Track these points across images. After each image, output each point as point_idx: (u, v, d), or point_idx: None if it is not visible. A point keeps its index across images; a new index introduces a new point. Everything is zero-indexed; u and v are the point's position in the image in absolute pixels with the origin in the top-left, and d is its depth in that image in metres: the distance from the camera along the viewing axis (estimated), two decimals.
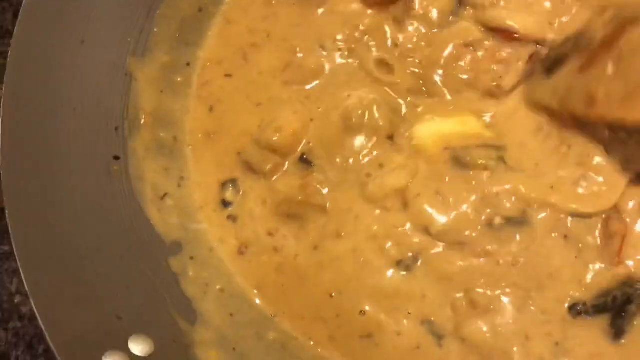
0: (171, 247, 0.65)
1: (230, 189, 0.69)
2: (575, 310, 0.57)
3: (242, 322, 0.63)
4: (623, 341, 0.55)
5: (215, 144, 0.70)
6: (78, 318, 0.52)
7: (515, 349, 0.57)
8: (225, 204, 0.68)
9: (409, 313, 0.61)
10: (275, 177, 0.68)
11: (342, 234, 0.64)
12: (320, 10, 0.71)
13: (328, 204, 0.65)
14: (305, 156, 0.67)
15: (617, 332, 0.55)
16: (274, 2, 0.73)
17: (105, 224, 0.61)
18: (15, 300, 0.81)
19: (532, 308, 0.58)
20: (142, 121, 0.68)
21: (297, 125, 0.67)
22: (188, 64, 0.74)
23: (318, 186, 0.66)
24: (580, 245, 0.58)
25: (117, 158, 0.65)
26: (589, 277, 0.57)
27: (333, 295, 0.64)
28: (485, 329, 0.58)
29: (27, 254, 0.53)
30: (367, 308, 0.63)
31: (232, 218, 0.68)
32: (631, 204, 0.58)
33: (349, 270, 0.64)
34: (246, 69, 0.72)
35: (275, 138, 0.67)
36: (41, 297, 0.52)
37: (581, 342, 0.56)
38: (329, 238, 0.65)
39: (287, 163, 0.68)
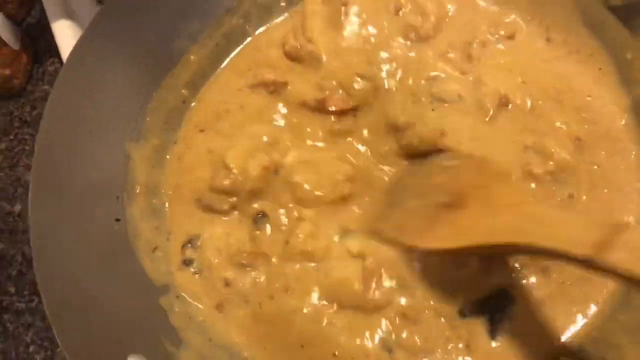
0: (161, 288, 0.77)
1: (189, 247, 0.80)
2: (463, 313, 0.70)
3: (220, 345, 0.74)
4: (496, 344, 0.69)
5: (183, 197, 0.83)
6: (91, 345, 0.67)
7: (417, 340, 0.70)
8: (187, 262, 0.79)
9: (368, 336, 0.70)
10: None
11: (287, 290, 0.74)
12: None
13: (273, 257, 0.76)
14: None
15: (493, 332, 0.69)
16: (244, 87, 0.90)
17: (109, 271, 0.74)
18: (30, 350, 0.94)
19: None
20: (137, 191, 0.82)
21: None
22: (175, 142, 0.91)
23: (266, 239, 0.77)
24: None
25: (118, 220, 0.79)
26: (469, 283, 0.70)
27: (303, 346, 0.71)
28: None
29: (54, 305, 0.67)
30: (336, 353, 0.71)
31: (197, 273, 0.78)
32: None
33: (308, 327, 0.72)
34: (217, 125, 0.86)
35: (225, 183, 0.79)
36: (68, 338, 0.65)
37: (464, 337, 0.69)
38: (278, 292, 0.74)
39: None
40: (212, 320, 0.78)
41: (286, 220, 0.79)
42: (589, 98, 0.78)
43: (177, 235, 0.84)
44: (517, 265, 0.72)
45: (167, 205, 0.87)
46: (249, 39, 0.95)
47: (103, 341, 0.68)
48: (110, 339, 0.68)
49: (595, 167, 0.75)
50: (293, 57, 0.90)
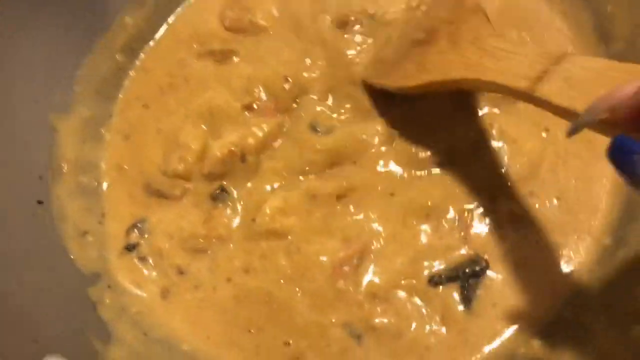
0: (90, 277, 0.69)
1: (136, 232, 0.73)
2: (433, 281, 0.65)
3: (156, 338, 0.67)
4: (471, 314, 0.64)
5: (127, 178, 0.77)
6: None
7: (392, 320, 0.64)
8: (130, 247, 0.72)
9: (332, 322, 0.65)
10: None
11: (248, 270, 0.69)
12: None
13: (232, 238, 0.70)
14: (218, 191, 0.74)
15: (466, 302, 0.64)
16: (189, 57, 0.83)
17: (27, 260, 0.64)
18: None
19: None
20: (65, 169, 0.74)
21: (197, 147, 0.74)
22: (111, 116, 0.83)
23: (223, 219, 0.72)
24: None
25: (40, 202, 0.70)
26: (443, 251, 0.66)
27: (251, 331, 0.67)
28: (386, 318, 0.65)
29: None
30: (290, 341, 0.66)
31: (142, 259, 0.72)
32: None
33: (260, 310, 0.67)
34: (162, 100, 0.80)
35: (179, 168, 0.74)
36: None
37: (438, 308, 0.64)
38: (238, 272, 0.69)
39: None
40: (152, 310, 0.69)
41: (251, 196, 0.73)
42: None
43: (119, 218, 0.76)
44: (490, 223, 0.68)
45: (105, 185, 0.78)
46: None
47: (15, 340, 0.57)
48: (24, 337, 0.58)
49: None
50: (235, 30, 0.83)
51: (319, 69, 0.79)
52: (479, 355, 0.62)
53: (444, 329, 0.63)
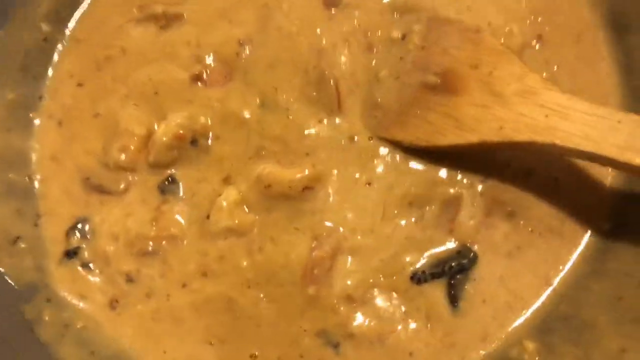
0: (24, 292, 0.61)
1: (77, 235, 0.64)
2: (416, 278, 0.58)
3: (105, 356, 0.60)
4: (457, 308, 0.58)
5: (63, 173, 0.67)
6: None
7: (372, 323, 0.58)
8: (71, 254, 0.64)
9: (305, 330, 0.59)
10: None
11: (206, 273, 0.61)
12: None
13: (185, 236, 0.62)
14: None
15: (453, 300, 0.58)
16: (128, 24, 0.72)
17: None
18: None
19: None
20: None
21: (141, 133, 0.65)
22: (40, 98, 0.72)
23: (174, 215, 0.63)
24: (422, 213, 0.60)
25: None
26: (426, 243, 0.59)
27: (212, 344, 0.60)
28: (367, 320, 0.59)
29: None
30: (257, 353, 0.59)
31: (85, 266, 0.63)
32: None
33: (222, 319, 0.60)
34: (98, 78, 0.70)
35: (122, 159, 0.65)
36: None
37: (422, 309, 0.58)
38: (194, 276, 0.61)
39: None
40: (99, 324, 0.61)
41: (204, 188, 0.64)
42: None
43: (57, 219, 0.67)
44: (479, 211, 0.60)
45: (38, 181, 0.69)
46: None
47: None
48: None
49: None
50: None
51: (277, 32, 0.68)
52: None
53: (429, 332, 0.57)
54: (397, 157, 0.62)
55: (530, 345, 0.54)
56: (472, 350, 0.56)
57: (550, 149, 0.52)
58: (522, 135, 0.53)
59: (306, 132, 0.65)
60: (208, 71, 0.68)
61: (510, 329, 0.56)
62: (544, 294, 0.57)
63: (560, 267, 0.58)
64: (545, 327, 0.55)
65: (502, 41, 0.63)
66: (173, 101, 0.67)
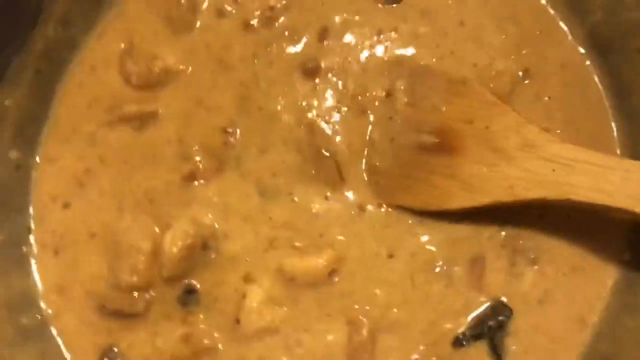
0: None
1: None
2: (459, 342, 0.59)
3: None
4: None
5: (74, 303, 0.64)
6: None
7: None
8: None
9: None
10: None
11: None
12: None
13: (220, 346, 0.61)
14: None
15: (498, 358, 0.59)
16: (100, 130, 0.68)
17: None
18: None
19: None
20: None
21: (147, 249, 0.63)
22: (29, 229, 0.68)
23: (202, 326, 0.62)
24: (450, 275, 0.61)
25: None
26: (461, 305, 0.60)
27: None
28: None
29: None
30: None
31: None
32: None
33: None
34: (84, 195, 0.67)
35: (134, 280, 0.62)
36: None
37: None
38: None
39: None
40: None
41: (225, 292, 0.63)
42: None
43: (83, 353, 0.64)
44: (504, 263, 0.61)
45: (50, 318, 0.65)
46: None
47: None
48: None
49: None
50: (147, 85, 0.68)
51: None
52: None
53: None
54: (410, 221, 0.62)
55: None
56: None
57: (564, 203, 0.53)
58: (534, 193, 0.54)
59: (314, 211, 0.64)
60: (201, 166, 0.66)
61: None
62: (582, 334, 0.59)
63: (591, 305, 0.59)
64: None
65: (492, 84, 0.62)
66: (171, 206, 0.65)
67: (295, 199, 0.64)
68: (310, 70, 0.66)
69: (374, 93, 0.65)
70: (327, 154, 0.64)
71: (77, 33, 0.69)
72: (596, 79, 0.63)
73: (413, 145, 0.61)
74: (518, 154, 0.55)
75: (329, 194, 0.64)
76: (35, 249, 0.67)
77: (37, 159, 0.69)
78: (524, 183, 0.54)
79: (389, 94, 0.64)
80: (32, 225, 0.67)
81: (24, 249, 0.67)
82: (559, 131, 0.62)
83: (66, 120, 0.69)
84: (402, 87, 0.64)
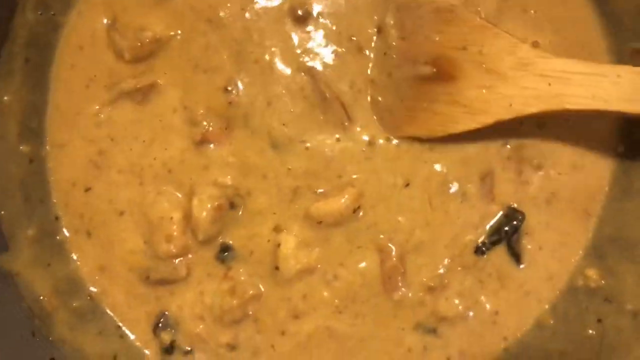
0: None
1: (162, 328, 0.66)
2: (480, 250, 0.65)
3: None
4: (524, 265, 0.65)
5: (118, 279, 0.68)
6: None
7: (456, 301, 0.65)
8: (168, 349, 0.67)
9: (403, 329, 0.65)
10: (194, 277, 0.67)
11: (297, 314, 0.66)
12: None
13: (264, 291, 0.66)
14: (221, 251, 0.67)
15: (517, 258, 0.65)
16: (103, 110, 0.69)
17: None
18: None
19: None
20: (50, 309, 0.65)
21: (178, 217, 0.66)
22: (57, 218, 0.70)
23: (243, 278, 0.66)
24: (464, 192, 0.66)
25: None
26: (477, 217, 0.65)
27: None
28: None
29: None
30: None
31: (187, 353, 0.66)
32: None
33: (333, 346, 0.65)
34: (103, 176, 0.68)
35: (172, 248, 0.66)
36: None
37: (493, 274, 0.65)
38: (288, 321, 0.66)
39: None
40: None
41: (259, 244, 0.67)
42: None
43: (136, 323, 0.68)
44: (511, 173, 0.66)
45: (99, 296, 0.69)
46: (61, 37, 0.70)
47: None
48: None
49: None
50: (141, 57, 0.67)
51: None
52: (546, 306, 0.65)
53: (505, 290, 0.65)
54: (420, 149, 0.66)
55: (592, 273, 0.63)
56: (544, 291, 0.65)
57: (562, 113, 0.57)
58: (533, 108, 0.57)
59: (329, 154, 0.66)
60: (210, 129, 0.67)
61: (570, 264, 0.65)
62: (588, 224, 0.65)
63: (593, 197, 0.65)
64: (599, 253, 0.64)
65: (479, 7, 0.64)
66: (190, 173, 0.67)
67: (308, 145, 0.67)
68: (300, 17, 0.67)
69: (368, 30, 0.66)
70: (334, 98, 0.67)
71: (57, 14, 0.68)
72: None
73: (411, 77, 0.63)
74: (513, 73, 0.58)
75: (339, 135, 0.67)
76: (68, 235, 0.70)
77: (48, 148, 0.69)
78: (522, 100, 0.57)
79: (380, 30, 0.66)
80: (60, 214, 0.70)
81: (58, 237, 0.69)
82: (548, 41, 0.65)
83: (67, 105, 0.69)
84: (391, 22, 0.64)
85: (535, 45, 0.63)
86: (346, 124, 0.67)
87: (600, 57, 0.64)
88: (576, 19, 0.65)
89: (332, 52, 0.67)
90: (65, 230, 0.69)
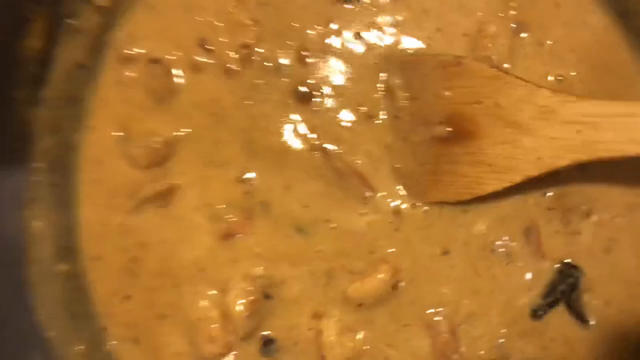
0: None
1: None
2: (537, 314, 0.60)
3: None
4: (592, 323, 0.59)
5: None
6: None
7: None
8: None
9: None
10: None
11: None
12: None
13: None
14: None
15: (581, 318, 0.59)
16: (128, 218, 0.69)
17: None
18: None
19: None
20: None
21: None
22: (105, 329, 0.70)
23: None
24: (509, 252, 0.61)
25: None
26: (528, 278, 0.60)
27: None
28: None
29: None
30: None
31: None
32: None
33: None
34: (140, 283, 0.68)
35: (216, 348, 0.64)
36: None
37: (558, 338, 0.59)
38: None
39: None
40: None
41: (301, 333, 0.65)
42: None
43: None
44: (558, 224, 0.61)
45: None
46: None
47: None
48: None
49: None
50: (156, 163, 0.68)
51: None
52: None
53: (576, 355, 0.59)
54: (453, 212, 0.61)
55: None
56: (620, 350, 0.58)
57: (597, 162, 0.51)
58: (564, 160, 0.52)
59: (357, 230, 0.64)
60: (234, 221, 0.66)
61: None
62: None
63: None
64: None
65: (489, 52, 0.59)
66: (222, 268, 0.66)
67: (334, 225, 0.64)
68: (304, 96, 0.64)
69: (374, 96, 0.63)
70: (347, 171, 0.64)
71: (70, 135, 0.70)
72: (596, 7, 0.58)
73: (428, 139, 0.59)
74: (537, 123, 0.53)
75: (365, 210, 0.64)
76: (116, 344, 0.70)
77: (84, 262, 0.71)
78: (551, 152, 0.52)
79: (387, 93, 0.62)
80: (105, 324, 0.70)
81: (106, 347, 0.70)
82: (574, 72, 0.58)
83: (94, 219, 0.70)
84: (397, 82, 0.61)
85: (559, 79, 0.57)
86: (368, 194, 0.64)
87: (635, 79, 0.57)
88: (601, 42, 0.58)
89: (342, 125, 0.64)
90: (112, 340, 0.70)
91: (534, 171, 0.53)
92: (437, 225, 0.62)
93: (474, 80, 0.56)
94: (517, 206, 0.60)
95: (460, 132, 0.57)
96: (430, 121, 0.59)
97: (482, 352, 0.60)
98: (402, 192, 0.62)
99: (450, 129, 0.57)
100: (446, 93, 0.57)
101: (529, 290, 0.60)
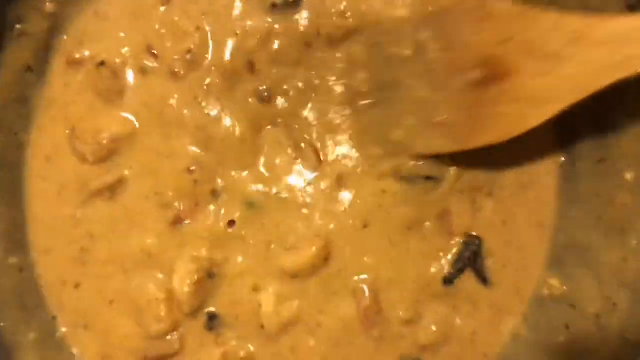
0: None
1: None
2: (448, 280, 0.68)
3: None
4: (493, 282, 0.68)
5: None
6: None
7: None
8: None
9: None
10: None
11: None
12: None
13: (254, 352, 0.69)
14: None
15: (484, 280, 0.68)
16: (77, 211, 0.73)
17: None
18: None
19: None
20: None
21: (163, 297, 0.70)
22: (53, 317, 0.74)
23: (233, 342, 0.70)
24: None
25: None
26: (441, 253, 0.69)
27: None
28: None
29: None
30: None
31: None
32: None
33: None
34: (90, 271, 0.72)
35: (162, 326, 0.70)
36: None
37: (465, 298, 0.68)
38: None
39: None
40: None
41: (242, 307, 0.71)
42: None
43: None
44: (466, 205, 0.69)
45: None
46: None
47: None
48: None
49: None
50: (104, 158, 0.73)
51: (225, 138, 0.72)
52: (518, 319, 0.68)
53: (479, 312, 0.68)
54: (373, 190, 0.69)
55: (554, 281, 0.66)
56: (515, 305, 0.68)
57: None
58: (603, 80, 0.51)
59: (299, 202, 0.71)
60: (181, 208, 0.72)
61: (534, 276, 0.68)
62: (544, 235, 0.68)
63: (544, 209, 0.68)
64: (556, 262, 0.67)
65: None
66: (168, 252, 0.71)
67: (284, 195, 0.71)
68: (263, 97, 0.71)
69: (399, 55, 0.64)
70: (302, 144, 0.71)
71: (19, 133, 0.73)
72: None
73: (465, 86, 0.60)
74: (570, 50, 0.52)
75: (308, 176, 0.71)
76: (66, 331, 0.74)
77: (34, 255, 0.74)
78: (588, 76, 0.52)
79: (417, 50, 0.63)
80: (56, 313, 0.74)
81: (57, 335, 0.73)
82: None
83: (44, 212, 0.74)
84: (427, 37, 0.62)
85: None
86: (316, 166, 0.71)
87: None
88: None
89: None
90: (63, 328, 0.74)
91: (575, 96, 0.53)
92: (357, 202, 0.69)
93: (500, 21, 0.56)
94: (432, 189, 0.68)
95: (495, 74, 0.57)
96: (465, 68, 0.59)
97: (400, 313, 0.68)
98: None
99: (485, 72, 0.58)
100: (476, 37, 0.57)
101: (439, 260, 0.68)
